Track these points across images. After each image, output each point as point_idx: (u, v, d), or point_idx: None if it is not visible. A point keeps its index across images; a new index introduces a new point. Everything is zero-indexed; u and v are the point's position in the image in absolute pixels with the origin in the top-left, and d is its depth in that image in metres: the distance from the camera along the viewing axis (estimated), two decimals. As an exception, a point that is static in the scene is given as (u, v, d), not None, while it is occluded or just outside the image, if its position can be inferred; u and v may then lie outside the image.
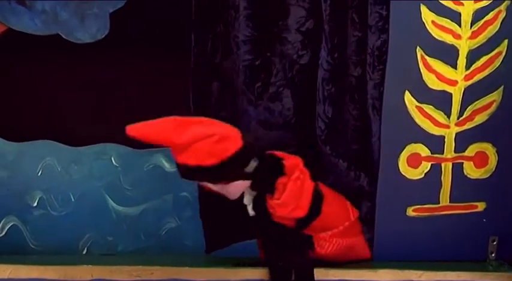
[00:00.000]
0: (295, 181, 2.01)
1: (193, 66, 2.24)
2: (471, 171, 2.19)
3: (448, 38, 2.10)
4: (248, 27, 2.17)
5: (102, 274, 2.02)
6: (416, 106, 2.14)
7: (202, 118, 1.96)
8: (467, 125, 2.15)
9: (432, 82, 2.13)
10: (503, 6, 2.08)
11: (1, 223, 2.44)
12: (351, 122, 2.23)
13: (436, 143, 2.16)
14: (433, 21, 2.10)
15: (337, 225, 2.10)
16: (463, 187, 2.18)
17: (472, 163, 2.18)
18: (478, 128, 2.16)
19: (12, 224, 2.45)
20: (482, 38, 2.11)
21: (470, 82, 2.13)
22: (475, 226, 2.20)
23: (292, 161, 2.05)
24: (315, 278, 2.04)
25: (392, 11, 2.09)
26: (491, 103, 2.15)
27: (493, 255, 2.22)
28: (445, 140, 2.16)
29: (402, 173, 2.16)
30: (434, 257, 2.20)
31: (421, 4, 2.07)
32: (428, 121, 2.15)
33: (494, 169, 2.18)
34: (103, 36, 2.38)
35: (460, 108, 2.15)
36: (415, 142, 2.16)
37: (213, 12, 2.22)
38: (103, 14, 2.35)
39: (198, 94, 2.25)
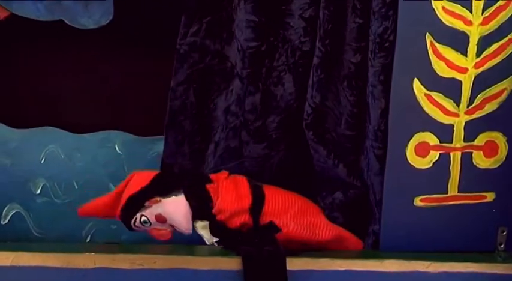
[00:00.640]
0: (224, 179, 2.09)
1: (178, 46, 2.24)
2: (480, 160, 2.15)
3: (459, 25, 2.06)
4: (250, 12, 2.16)
5: (105, 262, 2.00)
6: (425, 94, 2.10)
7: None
8: (477, 114, 2.12)
9: (442, 70, 2.09)
10: (516, -8, 2.05)
11: (4, 210, 2.44)
12: (347, 108, 2.22)
13: (445, 132, 2.12)
14: (443, 7, 2.05)
15: (289, 207, 2.09)
16: (472, 177, 2.15)
17: (481, 152, 2.14)
18: (488, 116, 2.12)
19: (15, 211, 2.45)
20: (493, 25, 2.06)
21: (480, 70, 2.09)
22: (483, 216, 2.17)
23: (216, 175, 2.13)
24: (318, 269, 2.02)
25: (401, -4, 2.06)
26: (502, 91, 2.11)
27: (502, 246, 2.19)
28: (454, 128, 2.13)
29: (410, 162, 2.13)
30: (442, 247, 2.17)
31: (431, -10, 2.04)
32: (437, 109, 2.11)
33: (504, 158, 2.15)
34: (107, 22, 2.35)
35: (470, 96, 2.11)
36: (424, 131, 2.12)
37: None
38: (107, -1, 2.32)
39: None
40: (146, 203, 2.06)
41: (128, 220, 2.08)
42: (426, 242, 2.17)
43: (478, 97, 2.11)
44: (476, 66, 2.09)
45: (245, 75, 2.22)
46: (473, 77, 2.10)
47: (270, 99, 2.25)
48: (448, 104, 2.12)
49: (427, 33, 2.06)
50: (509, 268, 2.10)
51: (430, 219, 2.16)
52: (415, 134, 2.12)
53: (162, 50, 2.41)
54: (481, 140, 2.14)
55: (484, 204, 2.16)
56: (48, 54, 2.47)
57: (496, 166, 2.15)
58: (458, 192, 2.16)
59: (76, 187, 2.46)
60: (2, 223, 2.44)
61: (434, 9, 2.05)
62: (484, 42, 2.07)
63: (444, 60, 2.09)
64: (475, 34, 2.07)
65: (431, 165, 2.14)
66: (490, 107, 2.11)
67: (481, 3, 2.05)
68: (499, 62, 2.09)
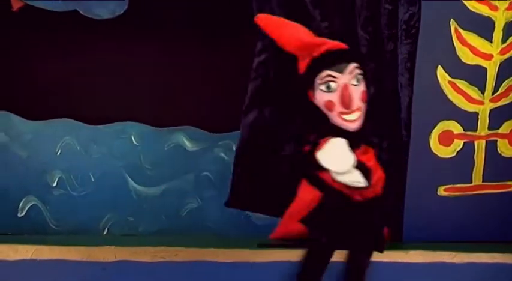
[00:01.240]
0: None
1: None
2: (505, 149, 2.12)
3: (484, 10, 2.03)
4: None
5: (126, 255, 1.98)
6: (449, 81, 2.07)
7: None
8: (502, 101, 2.09)
9: (466, 56, 2.06)
10: (543, -25, 2.01)
11: (21, 202, 2.43)
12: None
13: (469, 120, 2.10)
14: (468, -8, 2.02)
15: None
16: (497, 166, 2.12)
17: (506, 140, 2.11)
18: (514, 104, 2.09)
19: (32, 204, 2.43)
20: (520, 9, 2.03)
21: (506, 56, 2.06)
22: (508, 205, 2.14)
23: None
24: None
25: (425, -18, 2.02)
26: (528, 78, 2.08)
27: (527, 236, 2.16)
28: (479, 117, 2.10)
29: (434, 151, 2.11)
30: (466, 237, 2.14)
31: (456, -26, 2.01)
32: (461, 97, 2.08)
33: (530, 146, 2.12)
34: (122, 11, 2.32)
35: (495, 83, 2.08)
36: (448, 119, 2.10)
37: None
38: (122, -12, 2.29)
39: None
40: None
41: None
42: (449, 232, 2.14)
43: (503, 84, 2.08)
44: (502, 52, 2.06)
45: None
46: (498, 64, 2.07)
47: None
48: (473, 92, 2.09)
49: (452, 19, 2.03)
50: (536, 259, 2.07)
51: (454, 209, 2.13)
52: (439, 122, 2.10)
53: (176, 40, 2.39)
54: (506, 128, 2.11)
55: (509, 193, 2.13)
56: (62, 46, 2.44)
57: (522, 154, 2.12)
58: (482, 181, 2.13)
59: (92, 179, 2.44)
60: (19, 215, 2.42)
61: (458, -5, 2.02)
62: (510, 27, 2.04)
63: (469, 47, 2.05)
64: (500, 19, 2.03)
65: (455, 154, 2.11)
66: (515, 95, 2.09)
67: (508, -13, 2.02)
68: (526, 48, 2.06)
